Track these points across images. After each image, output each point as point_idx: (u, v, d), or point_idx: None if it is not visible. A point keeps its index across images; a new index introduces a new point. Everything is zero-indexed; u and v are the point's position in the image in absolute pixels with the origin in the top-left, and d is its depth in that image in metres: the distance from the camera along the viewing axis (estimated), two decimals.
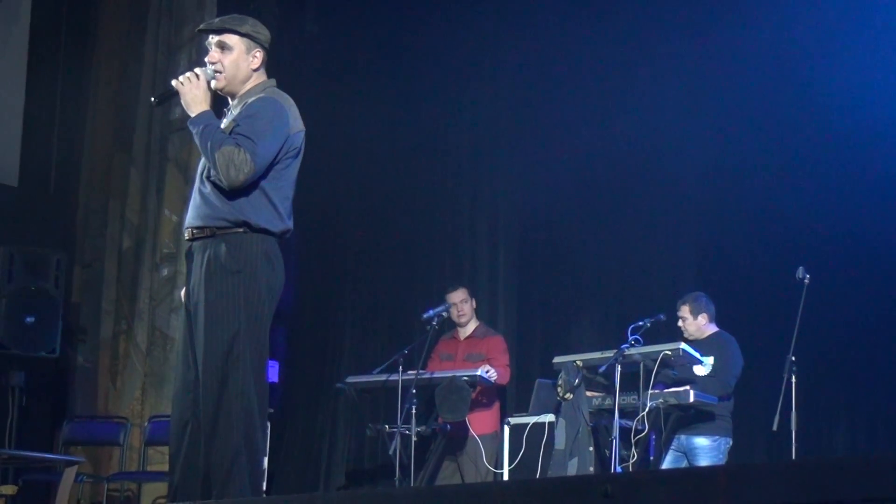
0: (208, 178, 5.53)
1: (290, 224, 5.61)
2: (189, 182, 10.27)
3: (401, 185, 11.23)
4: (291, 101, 5.66)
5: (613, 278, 10.55)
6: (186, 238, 5.65)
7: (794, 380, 8.01)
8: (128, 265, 11.34)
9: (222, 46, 5.65)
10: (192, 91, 5.54)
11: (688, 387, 8.40)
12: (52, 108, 11.76)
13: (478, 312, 10.19)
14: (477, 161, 11.17)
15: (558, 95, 10.73)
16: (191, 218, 5.61)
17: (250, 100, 5.59)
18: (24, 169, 11.50)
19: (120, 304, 11.31)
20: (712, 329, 9.02)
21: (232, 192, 5.43)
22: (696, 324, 8.96)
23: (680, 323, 9.00)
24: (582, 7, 10.56)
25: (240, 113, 5.56)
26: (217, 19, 5.85)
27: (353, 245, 11.53)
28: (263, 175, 5.47)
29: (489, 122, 11.19)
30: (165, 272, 11.07)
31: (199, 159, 5.66)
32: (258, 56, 5.67)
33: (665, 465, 8.67)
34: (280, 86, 5.76)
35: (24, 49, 11.45)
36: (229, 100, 5.74)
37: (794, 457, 7.85)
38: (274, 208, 5.52)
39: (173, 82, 5.61)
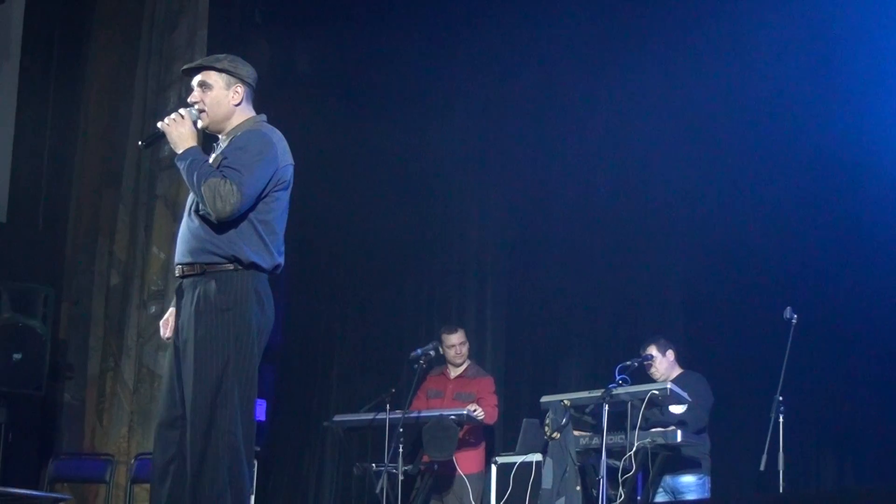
0: (196, 212, 5.54)
1: (280, 260, 5.61)
2: (178, 220, 9.87)
3: (389, 223, 11.20)
4: (280, 135, 5.68)
5: (601, 318, 10.52)
6: (177, 275, 5.64)
7: (781, 419, 8.00)
8: (115, 302, 11.35)
9: (203, 85, 5.69)
10: (178, 129, 5.57)
11: (673, 427, 8.40)
12: (41, 144, 11.79)
13: (468, 351, 10.15)
14: (465, 199, 11.20)
15: (547, 134, 10.77)
16: (180, 254, 5.61)
17: (238, 134, 5.63)
18: (12, 204, 11.54)
19: (107, 342, 11.31)
20: (678, 369, 9.05)
21: (220, 226, 5.44)
22: (666, 361, 8.98)
23: (651, 364, 8.99)
24: (571, 44, 10.60)
25: (227, 147, 5.59)
26: (196, 60, 5.90)
27: (340, 282, 11.53)
28: (252, 208, 5.48)
29: (477, 160, 11.22)
30: (153, 309, 11.03)
31: (188, 196, 5.67)
32: (239, 91, 5.70)
33: None
34: (272, 122, 5.79)
35: (13, 85, 11.51)
36: (219, 137, 5.76)
37: None
38: (263, 243, 5.52)
39: (159, 124, 5.65)
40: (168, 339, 5.73)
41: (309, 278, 11.48)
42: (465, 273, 11.10)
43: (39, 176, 11.87)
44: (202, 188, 5.40)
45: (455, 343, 9.95)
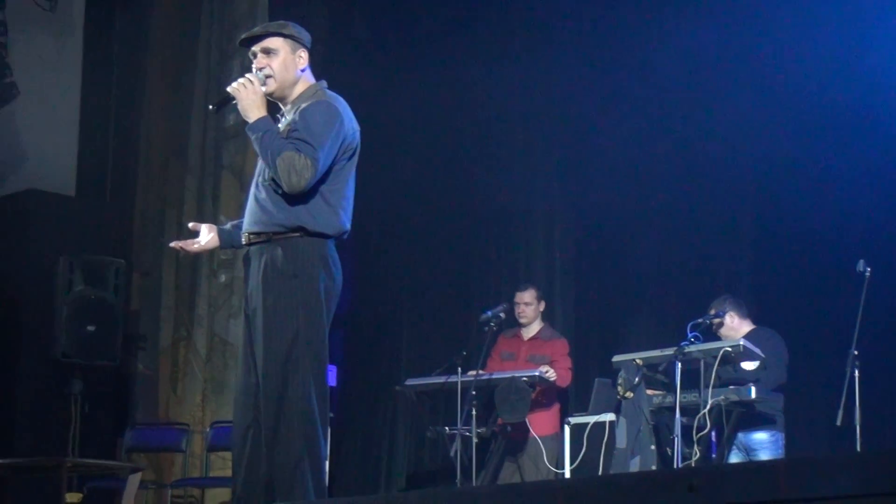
0: (263, 183, 5.57)
1: (347, 226, 5.65)
2: (244, 188, 9.84)
3: (455, 186, 11.17)
4: (344, 102, 5.70)
5: (670, 275, 10.40)
6: (243, 243, 5.69)
7: (857, 374, 7.91)
8: (185, 272, 11.40)
9: (268, 51, 5.68)
10: (249, 96, 5.57)
11: (749, 383, 8.34)
12: (106, 116, 11.88)
13: (542, 313, 10.10)
14: (531, 160, 11.10)
15: (614, 94, 10.62)
16: (247, 223, 5.65)
17: (304, 104, 5.62)
18: (80, 178, 11.67)
19: (179, 312, 11.38)
20: (750, 325, 8.98)
21: (289, 197, 5.47)
22: (737, 318, 8.90)
23: (721, 321, 8.91)
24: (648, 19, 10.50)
25: (294, 117, 5.58)
26: (258, 27, 5.91)
27: (409, 246, 11.49)
28: (322, 178, 5.52)
29: (543, 123, 11.10)
30: (223, 278, 11.13)
31: (255, 165, 5.73)
32: (303, 56, 5.72)
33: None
34: (331, 88, 5.79)
35: (78, 59, 11.60)
36: (281, 105, 5.78)
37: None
38: (332, 210, 5.56)
39: (229, 88, 5.66)
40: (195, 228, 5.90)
41: (377, 242, 11.45)
42: (533, 233, 11.00)
43: (106, 148, 11.97)
44: (277, 161, 5.41)
45: (522, 301, 9.92)
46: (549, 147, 11.05)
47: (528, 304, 9.94)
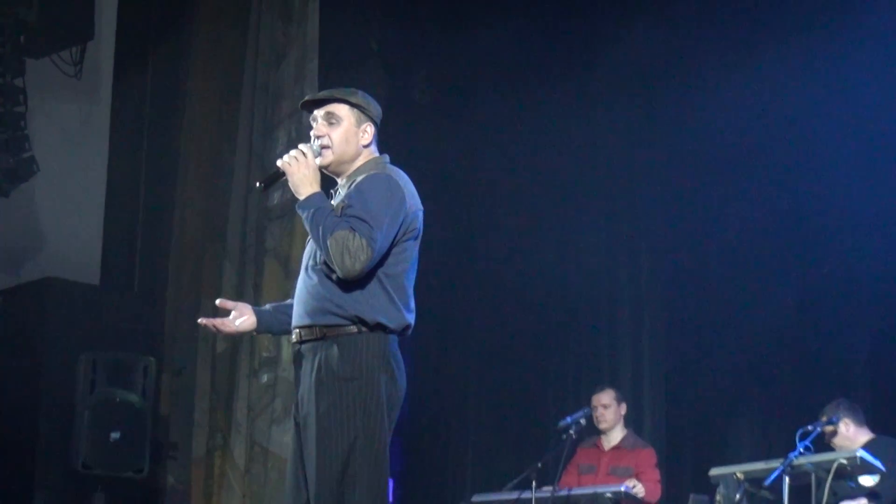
0: (314, 267, 5.56)
1: (410, 319, 5.62)
2: (291, 276, 10.27)
3: (525, 268, 11.21)
4: (406, 178, 5.69)
5: (775, 376, 10.44)
6: (294, 340, 5.66)
7: None
8: (223, 372, 11.34)
9: (330, 119, 5.70)
10: (300, 171, 5.56)
11: (865, 500, 8.30)
12: (135, 196, 11.90)
13: (625, 418, 10.09)
14: (614, 244, 11.18)
15: (712, 187, 10.77)
16: (297, 316, 5.63)
17: (360, 178, 5.63)
18: (105, 265, 11.65)
19: (214, 416, 11.33)
20: (867, 434, 8.92)
21: (343, 283, 5.45)
22: (852, 426, 8.89)
23: (835, 429, 8.89)
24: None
25: (349, 192, 5.58)
26: (324, 91, 5.91)
27: (474, 342, 11.51)
28: (379, 262, 5.49)
29: (629, 206, 11.22)
30: (265, 379, 11.04)
31: (305, 249, 5.71)
32: (369, 131, 5.73)
33: None
34: (393, 161, 5.82)
35: (104, 131, 11.65)
36: (336, 179, 5.79)
37: None
38: (391, 300, 5.53)
39: (279, 162, 5.64)
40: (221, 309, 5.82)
41: (437, 336, 11.47)
42: (617, 328, 11.06)
43: (134, 232, 11.99)
44: (329, 242, 5.39)
45: (598, 403, 9.92)
46: (636, 230, 11.11)
47: (607, 407, 9.94)
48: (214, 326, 5.93)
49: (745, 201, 10.54)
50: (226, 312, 5.97)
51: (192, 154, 11.95)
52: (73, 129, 11.63)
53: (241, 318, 5.91)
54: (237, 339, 11.17)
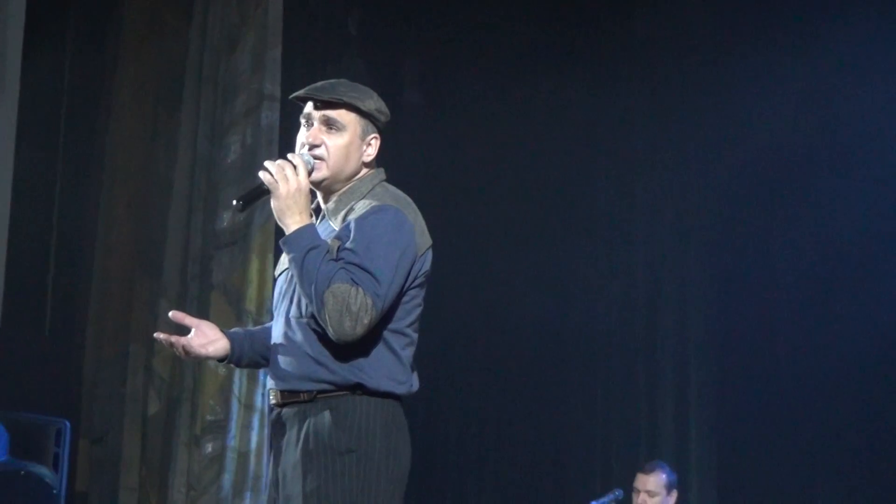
0: (299, 320, 5.34)
1: (415, 380, 5.46)
2: (242, 317, 10.38)
3: (535, 303, 11.35)
4: (412, 205, 5.47)
5: (845, 446, 10.80)
6: (272, 402, 5.44)
7: None
8: (155, 438, 11.14)
9: (330, 124, 5.42)
10: (290, 193, 5.28)
11: None
12: (47, 218, 11.65)
13: None
14: (646, 265, 11.38)
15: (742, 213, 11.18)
16: (277, 378, 5.41)
17: (358, 203, 5.40)
18: (9, 303, 11.14)
19: (144, 495, 11.07)
20: None
21: (340, 345, 5.23)
22: None
23: None
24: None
25: (346, 224, 5.33)
26: (325, 83, 5.57)
27: (484, 398, 11.53)
28: (384, 317, 5.29)
29: (664, 227, 11.48)
30: (210, 448, 10.82)
31: (277, 285, 5.55)
32: (374, 144, 5.49)
33: None
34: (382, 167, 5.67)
35: (10, 131, 11.09)
36: (321, 197, 5.54)
37: None
38: (398, 359, 5.35)
39: (262, 175, 5.32)
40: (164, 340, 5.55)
41: (437, 391, 11.43)
42: (657, 387, 11.10)
43: (46, 263, 11.69)
44: (325, 297, 5.12)
45: (648, 489, 9.57)
46: (673, 243, 11.45)
47: (654, 496, 9.61)
48: (177, 345, 5.50)
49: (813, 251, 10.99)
50: (184, 331, 5.59)
51: (119, 163, 11.72)
52: None
53: (205, 340, 5.54)
54: (174, 397, 11.14)
